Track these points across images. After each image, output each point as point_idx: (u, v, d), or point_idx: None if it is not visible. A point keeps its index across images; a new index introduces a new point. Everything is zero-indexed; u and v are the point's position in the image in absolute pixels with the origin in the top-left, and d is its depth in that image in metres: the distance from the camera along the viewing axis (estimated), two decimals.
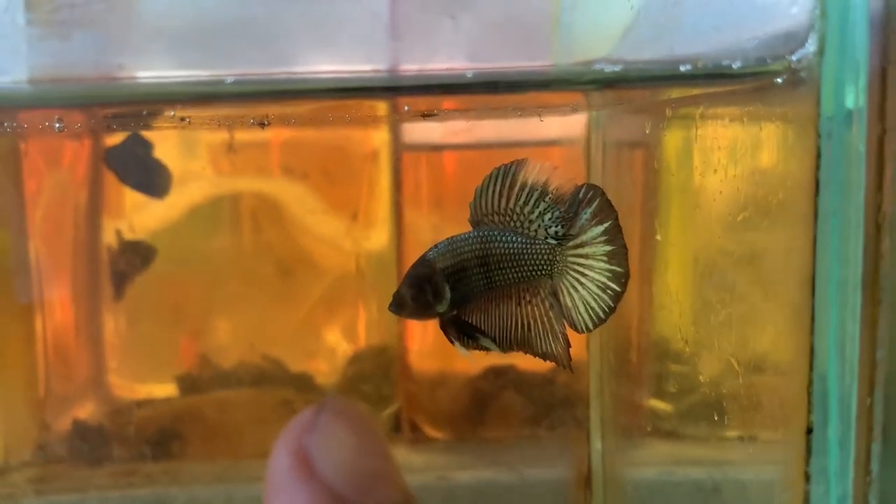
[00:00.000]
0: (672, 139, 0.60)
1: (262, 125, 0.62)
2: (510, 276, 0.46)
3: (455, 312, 0.47)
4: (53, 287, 0.78)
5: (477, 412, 0.80)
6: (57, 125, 0.55)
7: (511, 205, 0.46)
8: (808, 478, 0.40)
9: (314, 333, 0.81)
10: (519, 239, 0.47)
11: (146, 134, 0.76)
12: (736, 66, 0.38)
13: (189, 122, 0.70)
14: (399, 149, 0.78)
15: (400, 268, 0.80)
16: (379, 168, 0.79)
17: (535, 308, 0.47)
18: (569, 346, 0.47)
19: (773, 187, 0.43)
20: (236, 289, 0.80)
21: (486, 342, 0.47)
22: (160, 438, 0.78)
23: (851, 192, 0.37)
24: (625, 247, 0.46)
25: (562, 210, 0.46)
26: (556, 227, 0.46)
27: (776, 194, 0.43)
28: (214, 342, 0.80)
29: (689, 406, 0.60)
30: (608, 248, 0.46)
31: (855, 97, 0.37)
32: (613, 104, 0.66)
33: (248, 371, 0.81)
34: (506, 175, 0.46)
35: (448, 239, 0.48)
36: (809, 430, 0.40)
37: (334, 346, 0.81)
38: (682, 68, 0.41)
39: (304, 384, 0.81)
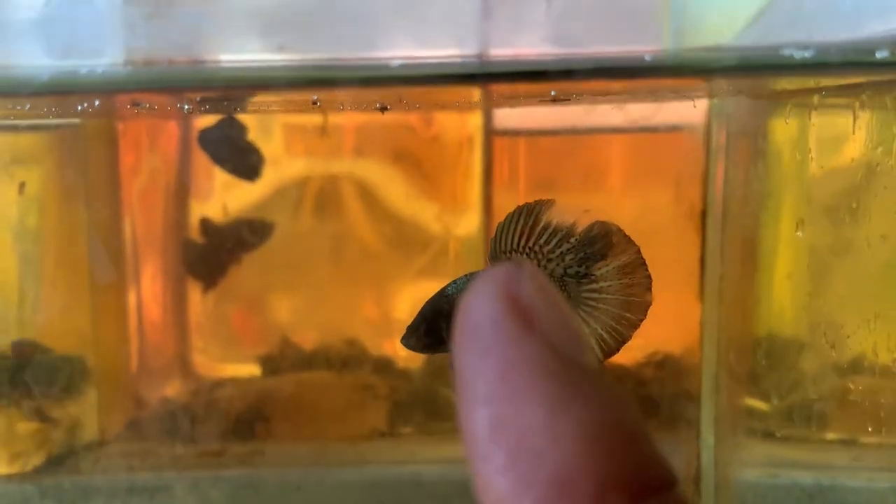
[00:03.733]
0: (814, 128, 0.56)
1: (382, 110, 0.61)
2: None
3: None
4: (145, 265, 0.79)
5: None
6: (147, 106, 0.55)
7: (531, 244, 0.45)
8: None
9: (399, 318, 0.80)
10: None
11: (240, 117, 0.76)
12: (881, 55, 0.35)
13: (280, 106, 0.70)
14: (490, 134, 0.76)
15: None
16: (472, 154, 0.77)
17: None
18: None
19: None
20: (323, 272, 0.80)
21: None
22: (245, 418, 0.78)
23: None
24: (648, 277, 0.45)
25: (585, 251, 0.44)
26: (578, 267, 0.45)
27: None
28: (298, 325, 0.80)
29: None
30: (625, 280, 0.44)
31: None
32: (736, 92, 0.63)
33: (331, 354, 0.81)
34: (529, 214, 0.45)
35: (468, 274, 0.46)
36: None
37: None
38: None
39: (385, 368, 0.81)
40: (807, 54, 0.40)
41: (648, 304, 0.44)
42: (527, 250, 0.45)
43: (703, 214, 0.71)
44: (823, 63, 0.41)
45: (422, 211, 0.78)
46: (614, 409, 0.26)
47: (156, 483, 0.67)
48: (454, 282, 0.46)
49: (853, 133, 0.52)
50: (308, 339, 0.80)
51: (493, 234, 0.44)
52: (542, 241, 0.45)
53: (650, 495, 0.25)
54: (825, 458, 0.57)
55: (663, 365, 0.72)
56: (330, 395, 0.80)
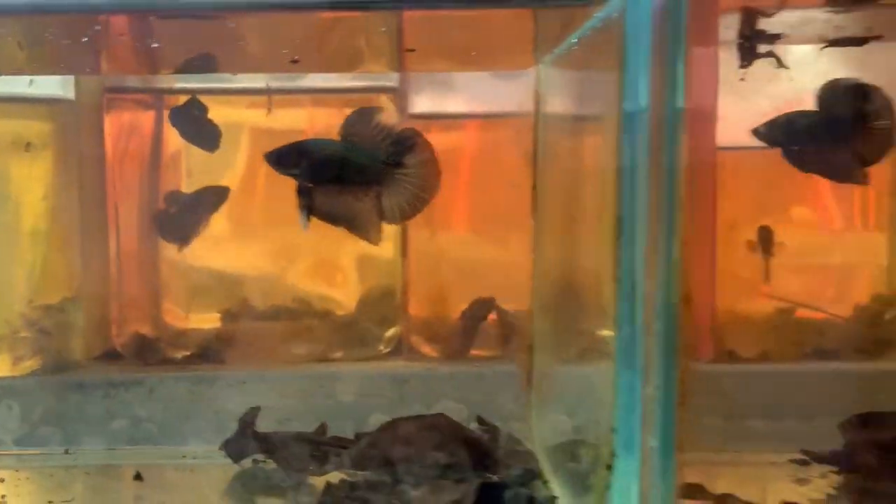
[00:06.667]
0: None
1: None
2: (357, 176, 0.67)
3: (311, 186, 0.68)
4: (126, 228, 0.97)
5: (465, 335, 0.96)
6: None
7: (365, 132, 0.69)
8: None
9: (333, 274, 0.98)
10: (366, 155, 0.68)
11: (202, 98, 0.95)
12: None
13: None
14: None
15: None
16: None
17: (365, 203, 0.69)
18: (380, 232, 0.69)
19: None
20: (273, 232, 0.98)
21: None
22: (205, 348, 0.95)
23: None
24: (439, 171, 0.69)
25: (399, 145, 0.68)
26: (393, 155, 0.69)
27: None
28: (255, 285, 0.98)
29: None
30: (423, 170, 0.68)
31: None
32: None
33: (279, 305, 0.98)
34: (367, 113, 0.70)
35: (327, 139, 0.70)
36: None
37: (350, 283, 0.99)
38: None
39: (324, 315, 0.98)
40: None
41: (437, 188, 0.66)
42: (363, 135, 0.68)
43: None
44: None
45: None
46: None
47: (130, 379, 0.83)
48: (322, 140, 0.70)
49: None
50: (261, 291, 0.97)
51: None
52: (373, 132, 0.68)
53: None
54: None
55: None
56: (277, 335, 0.97)
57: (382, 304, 0.99)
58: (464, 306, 0.95)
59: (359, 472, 0.63)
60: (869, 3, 0.65)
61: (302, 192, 0.68)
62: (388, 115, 0.69)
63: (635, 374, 0.44)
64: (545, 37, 0.66)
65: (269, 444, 0.69)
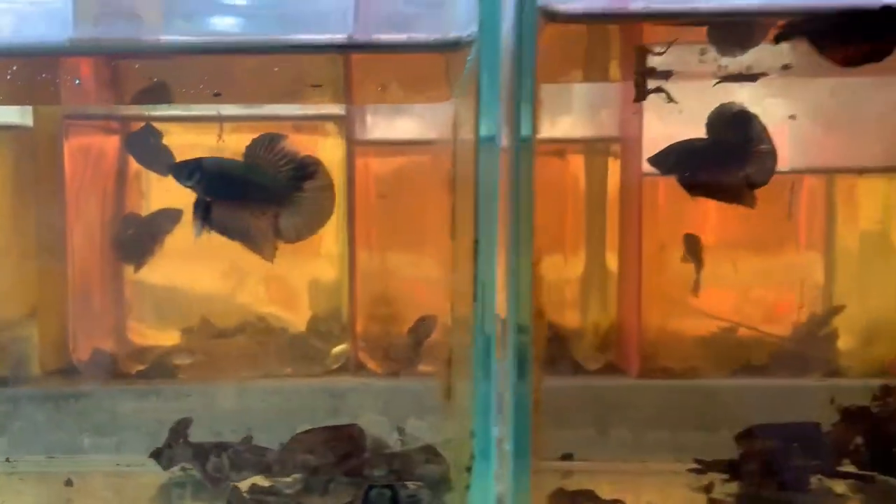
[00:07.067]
0: None
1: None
2: (255, 195, 0.72)
3: (209, 200, 0.74)
4: (86, 251, 1.02)
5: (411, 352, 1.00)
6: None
7: (269, 156, 0.75)
8: None
9: (284, 294, 1.02)
10: (267, 177, 0.75)
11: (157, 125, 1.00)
12: None
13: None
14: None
15: None
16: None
17: (262, 221, 0.75)
18: (275, 249, 0.73)
19: None
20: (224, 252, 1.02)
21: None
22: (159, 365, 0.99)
23: None
24: (334, 197, 0.75)
25: (300, 170, 0.75)
26: (294, 179, 0.75)
27: None
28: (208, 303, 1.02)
29: None
30: (320, 195, 0.75)
31: None
32: None
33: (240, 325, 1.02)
34: (272, 139, 0.76)
35: (229, 158, 0.77)
36: None
37: (300, 302, 1.03)
38: None
39: (274, 332, 1.02)
40: None
41: (331, 213, 0.71)
42: (266, 159, 0.74)
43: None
44: None
45: None
46: None
47: (79, 392, 0.88)
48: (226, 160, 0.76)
49: None
50: (224, 315, 1.02)
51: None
52: (276, 157, 0.74)
53: None
54: None
55: None
56: (230, 352, 1.01)
57: (331, 323, 1.04)
58: (409, 324, 0.99)
59: (271, 479, 0.68)
60: (750, 47, 0.70)
61: (196, 204, 0.73)
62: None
63: (490, 384, 0.48)
64: (455, 74, 0.71)
65: (195, 452, 0.73)
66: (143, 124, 1.00)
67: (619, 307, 0.95)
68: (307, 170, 0.72)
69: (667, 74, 0.75)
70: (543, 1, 0.50)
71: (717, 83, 0.75)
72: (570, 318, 0.96)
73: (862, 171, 0.89)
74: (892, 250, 0.95)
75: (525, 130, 0.51)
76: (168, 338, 1.02)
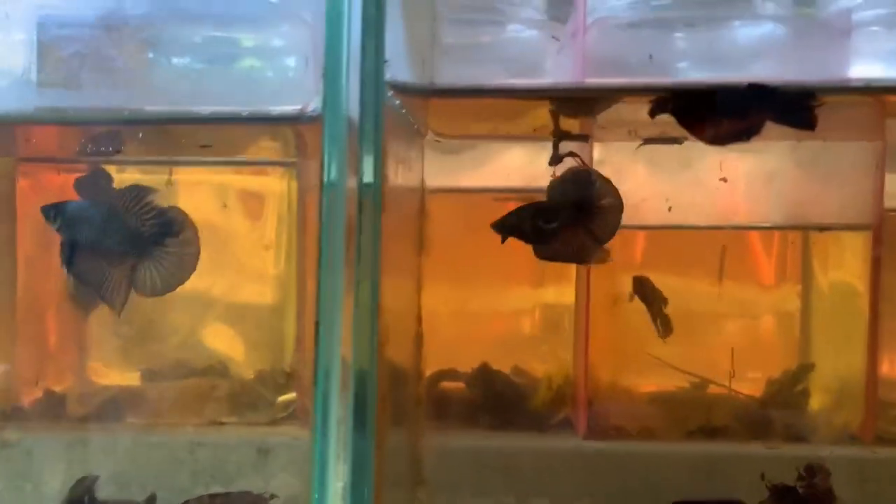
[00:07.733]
0: None
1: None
2: (117, 245, 0.73)
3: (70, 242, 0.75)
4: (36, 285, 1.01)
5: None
6: None
7: (135, 209, 0.76)
8: None
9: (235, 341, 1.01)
10: (127, 227, 0.75)
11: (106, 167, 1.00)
12: None
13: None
14: None
15: None
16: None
17: (117, 270, 0.75)
18: (124, 302, 0.73)
19: None
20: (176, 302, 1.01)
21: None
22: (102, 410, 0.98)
23: None
24: (198, 253, 0.74)
25: (164, 227, 0.75)
26: (158, 235, 0.75)
27: None
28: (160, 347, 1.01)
29: None
30: (184, 250, 0.74)
31: None
32: None
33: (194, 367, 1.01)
34: (140, 192, 0.76)
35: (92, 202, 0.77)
36: None
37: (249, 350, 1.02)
38: None
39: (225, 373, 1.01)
40: None
41: (193, 269, 0.70)
42: (131, 213, 0.75)
43: None
44: None
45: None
46: None
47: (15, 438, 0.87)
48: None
49: None
50: (164, 354, 1.00)
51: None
52: (142, 211, 0.74)
53: None
54: None
55: None
56: (177, 396, 0.99)
57: (277, 372, 1.01)
58: None
59: None
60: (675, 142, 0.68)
61: (62, 245, 0.73)
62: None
63: (328, 437, 0.46)
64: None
65: None
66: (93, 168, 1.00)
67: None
68: (173, 224, 0.71)
69: (584, 137, 0.73)
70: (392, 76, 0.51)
71: (640, 146, 0.73)
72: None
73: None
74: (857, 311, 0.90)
75: (366, 178, 0.50)
76: (115, 380, 1.01)
